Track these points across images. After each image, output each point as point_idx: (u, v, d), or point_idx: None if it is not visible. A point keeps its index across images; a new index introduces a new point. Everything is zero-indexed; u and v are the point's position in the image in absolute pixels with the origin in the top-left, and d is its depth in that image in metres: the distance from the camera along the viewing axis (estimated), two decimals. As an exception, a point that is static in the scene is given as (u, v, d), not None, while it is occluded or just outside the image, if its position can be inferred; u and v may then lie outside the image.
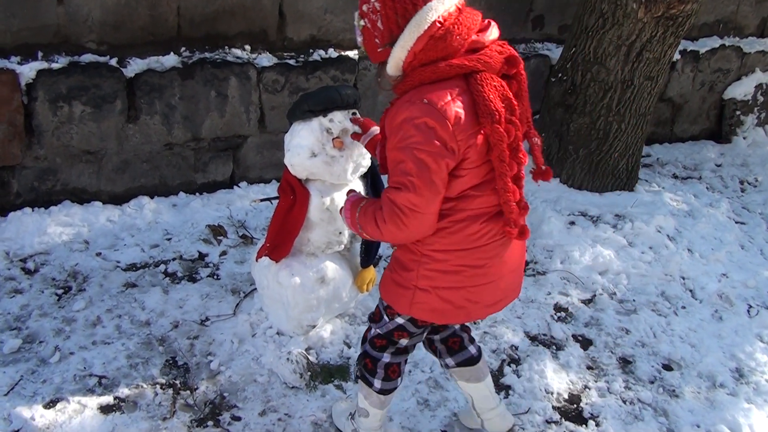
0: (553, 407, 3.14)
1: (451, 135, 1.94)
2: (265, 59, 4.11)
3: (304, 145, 2.89)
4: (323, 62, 4.25)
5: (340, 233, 3.11)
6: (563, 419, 3.09)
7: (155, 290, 3.47)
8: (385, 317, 2.44)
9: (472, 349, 2.67)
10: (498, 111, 1.96)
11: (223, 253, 3.84)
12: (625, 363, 3.49)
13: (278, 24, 4.16)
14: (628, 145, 4.62)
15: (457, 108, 1.95)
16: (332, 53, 4.31)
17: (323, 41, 4.32)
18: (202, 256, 3.81)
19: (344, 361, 3.21)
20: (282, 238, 3.04)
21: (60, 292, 3.43)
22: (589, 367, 3.43)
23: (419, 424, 2.93)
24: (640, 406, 3.23)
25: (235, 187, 4.36)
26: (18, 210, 3.80)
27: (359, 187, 3.08)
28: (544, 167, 2.26)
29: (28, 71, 3.55)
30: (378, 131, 2.65)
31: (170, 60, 3.86)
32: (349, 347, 3.28)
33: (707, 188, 5.22)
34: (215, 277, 3.66)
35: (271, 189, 4.42)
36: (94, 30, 3.71)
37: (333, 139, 2.87)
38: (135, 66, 3.78)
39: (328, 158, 2.90)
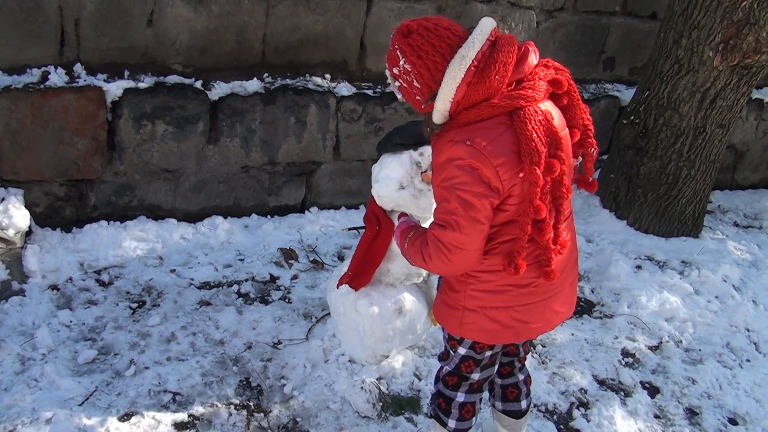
0: (623, 456, 3.13)
1: (495, 175, 1.95)
2: (345, 88, 4.19)
3: (393, 177, 2.93)
4: (398, 94, 4.32)
5: (421, 266, 3.14)
6: (633, 468, 3.08)
7: (229, 310, 3.52)
8: (450, 351, 2.46)
9: (524, 405, 2.68)
10: (538, 151, 1.95)
11: (295, 276, 3.89)
12: (692, 414, 3.45)
13: (358, 55, 4.24)
14: (696, 192, 4.61)
15: (500, 147, 1.95)
16: (407, 85, 4.38)
17: (399, 73, 4.39)
18: (273, 279, 3.86)
19: (414, 394, 3.22)
20: (364, 267, 3.07)
21: (134, 305, 3.49)
22: (656, 416, 3.40)
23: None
24: (710, 459, 3.20)
25: (306, 212, 4.42)
26: (94, 222, 3.90)
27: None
28: (591, 179, 2.28)
29: (114, 89, 3.66)
30: None
31: (253, 85, 3.95)
32: (420, 379, 3.30)
33: (768, 238, 5.19)
34: (287, 300, 3.71)
35: (341, 216, 4.48)
36: (180, 53, 3.82)
37: (422, 173, 2.92)
38: (219, 89, 3.88)
39: (416, 191, 2.94)
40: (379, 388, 3.20)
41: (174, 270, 3.75)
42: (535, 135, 1.97)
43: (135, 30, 3.67)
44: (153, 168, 3.91)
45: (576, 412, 3.31)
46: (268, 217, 4.35)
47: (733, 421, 3.46)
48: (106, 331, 3.28)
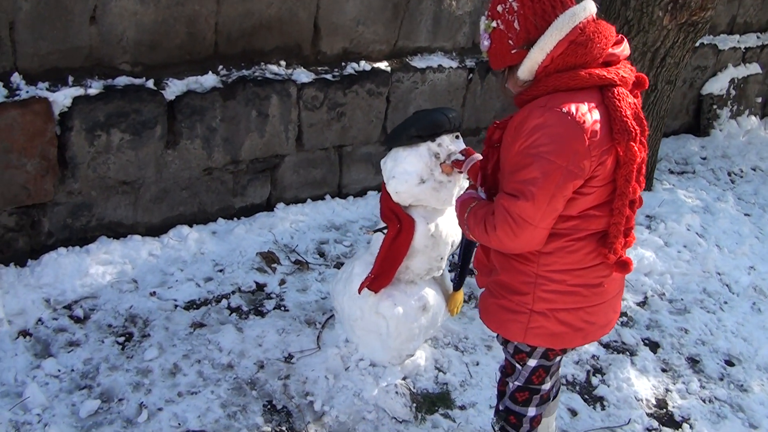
0: (647, 414, 3.21)
1: (587, 150, 1.86)
2: (303, 75, 3.92)
3: (412, 172, 2.77)
4: (358, 76, 4.10)
5: (441, 258, 3.02)
6: (661, 425, 3.16)
7: (227, 328, 3.24)
8: (517, 365, 2.31)
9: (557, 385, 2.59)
10: (634, 129, 1.91)
11: (282, 282, 3.65)
12: (694, 362, 3.61)
13: (312, 37, 3.96)
14: (649, 147, 4.75)
15: (594, 121, 1.87)
16: (365, 66, 4.17)
17: (354, 53, 4.16)
18: (260, 287, 3.60)
19: (442, 388, 3.14)
20: (385, 267, 2.91)
21: (122, 339, 3.13)
22: (663, 370, 3.52)
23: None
24: (719, 404, 3.36)
25: (274, 209, 4.15)
26: (52, 251, 3.43)
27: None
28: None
29: (62, 99, 3.20)
30: (479, 158, 2.58)
31: (210, 80, 3.60)
32: (444, 372, 3.21)
33: (708, 183, 5.48)
34: (283, 308, 3.47)
35: (310, 209, 4.24)
36: (128, 50, 3.40)
37: (441, 164, 2.78)
38: (174, 88, 3.50)
39: (437, 184, 2.80)
40: (410, 389, 3.08)
41: (154, 293, 3.40)
42: (628, 112, 1.91)
43: (77, 29, 3.20)
44: (110, 182, 3.49)
45: (594, 380, 3.36)
46: (236, 219, 4.04)
47: (729, 363, 3.66)
48: (101, 375, 2.92)
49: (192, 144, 3.65)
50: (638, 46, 4.36)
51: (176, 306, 3.37)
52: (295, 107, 3.92)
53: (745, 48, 6.23)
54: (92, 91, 3.29)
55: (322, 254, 3.95)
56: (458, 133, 2.85)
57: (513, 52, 1.96)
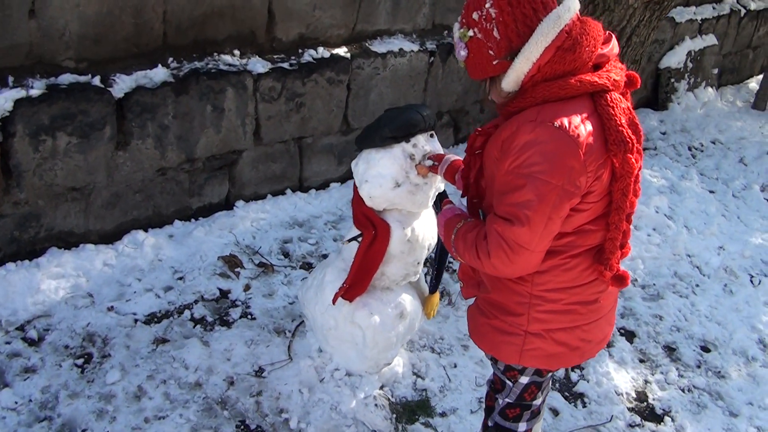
0: (629, 409, 3.17)
1: (582, 166, 1.71)
2: (259, 65, 3.68)
3: (387, 175, 2.60)
4: (317, 63, 3.89)
5: (418, 263, 2.88)
6: (643, 420, 3.12)
7: (192, 343, 3.05)
8: (508, 382, 2.18)
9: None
10: (630, 139, 1.75)
11: (247, 287, 3.46)
12: (670, 351, 3.58)
13: (267, 24, 3.72)
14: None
15: (588, 133, 1.72)
16: (323, 53, 3.95)
17: (312, 39, 3.94)
18: (224, 294, 3.41)
19: (421, 395, 3.02)
20: (360, 275, 2.76)
21: (80, 362, 2.92)
22: (641, 360, 3.48)
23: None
24: (698, 393, 3.33)
25: (233, 208, 3.93)
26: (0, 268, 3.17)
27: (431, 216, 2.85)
28: None
29: (2, 102, 2.92)
30: (454, 158, 2.44)
31: (160, 74, 3.34)
32: (422, 378, 3.09)
33: (670, 160, 5.46)
34: (250, 317, 3.29)
35: (270, 206, 4.04)
36: (71, 45, 3.11)
37: (416, 165, 2.61)
38: (122, 84, 3.23)
39: (413, 187, 2.64)
40: (389, 399, 2.96)
41: (111, 307, 3.18)
42: (623, 121, 1.75)
43: (15, 25, 2.91)
44: (58, 189, 3.22)
45: (573, 375, 3.29)
46: (193, 221, 3.81)
47: (705, 349, 3.64)
48: (61, 404, 2.70)
49: (144, 144, 3.40)
50: (604, 26, 4.22)
51: (136, 321, 3.15)
52: (251, 100, 3.69)
53: (702, 19, 6.20)
54: (35, 93, 3.01)
55: (286, 254, 3.77)
56: (433, 132, 2.69)
57: (495, 63, 1.78)
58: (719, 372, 3.48)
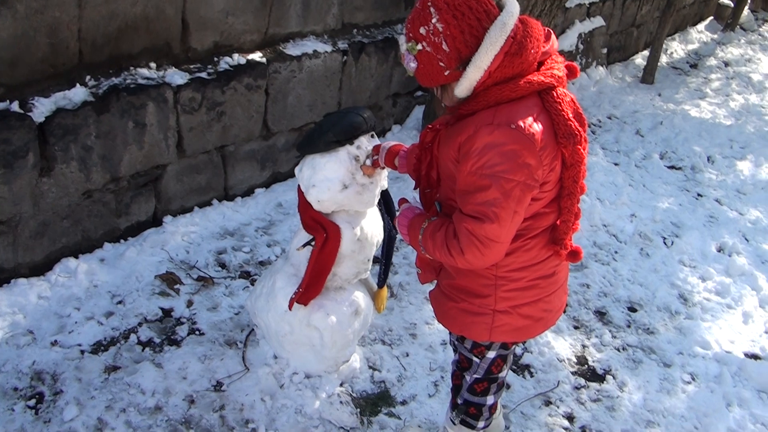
0: (572, 373, 3.36)
1: (539, 162, 1.86)
2: (177, 76, 3.61)
3: (334, 178, 2.65)
4: (234, 71, 3.85)
5: (368, 260, 2.94)
6: (587, 381, 3.32)
7: (144, 366, 2.97)
8: (475, 359, 2.31)
9: None
10: (578, 131, 1.91)
11: (190, 303, 3.40)
12: (601, 315, 3.81)
13: (181, 34, 3.65)
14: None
15: (541, 130, 1.87)
16: (239, 59, 3.92)
17: (226, 46, 3.90)
18: (167, 313, 3.33)
19: (380, 387, 3.09)
20: (315, 279, 2.79)
21: (33, 402, 2.77)
22: (576, 327, 3.69)
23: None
24: (632, 350, 3.58)
25: (162, 224, 3.84)
26: (-74, 313, 2.98)
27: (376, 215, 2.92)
28: None
29: None
30: (390, 144, 2.53)
31: (79, 93, 3.22)
32: (378, 371, 3.16)
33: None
34: (198, 332, 3.24)
35: (199, 218, 3.97)
36: (-16, 71, 2.96)
37: (362, 166, 2.67)
38: (42, 108, 3.09)
39: (360, 187, 2.69)
40: (351, 395, 3.01)
41: (55, 341, 3.04)
42: (570, 115, 1.91)
43: None
44: (-19, 225, 3.06)
45: (518, 350, 3.45)
46: (123, 241, 3.70)
47: (632, 309, 3.90)
48: (18, 450, 2.58)
49: (68, 167, 3.27)
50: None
51: (83, 352, 3.03)
52: (173, 112, 3.62)
53: (590, 3, 6.56)
54: (-53, 127, 2.84)
55: (223, 265, 3.73)
56: (373, 132, 2.75)
57: (446, 74, 1.88)
58: (648, 329, 3.75)
